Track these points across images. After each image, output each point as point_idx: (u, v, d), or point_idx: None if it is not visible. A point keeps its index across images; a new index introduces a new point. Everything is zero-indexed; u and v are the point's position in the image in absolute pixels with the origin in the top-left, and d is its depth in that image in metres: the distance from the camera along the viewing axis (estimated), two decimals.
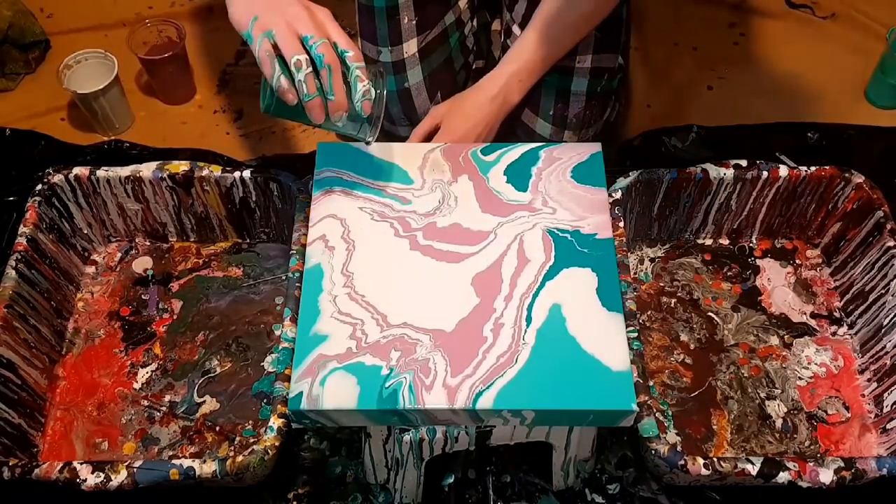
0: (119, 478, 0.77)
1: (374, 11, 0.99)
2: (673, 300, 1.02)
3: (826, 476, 0.78)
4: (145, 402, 0.94)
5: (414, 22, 0.99)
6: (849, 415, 0.93)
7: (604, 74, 1.00)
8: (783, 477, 0.78)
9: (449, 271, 0.81)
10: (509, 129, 1.11)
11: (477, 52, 1.13)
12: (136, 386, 0.96)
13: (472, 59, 1.12)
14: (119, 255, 1.06)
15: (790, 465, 0.78)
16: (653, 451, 0.79)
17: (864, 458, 0.79)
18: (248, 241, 1.07)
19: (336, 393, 0.74)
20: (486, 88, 0.96)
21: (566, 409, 0.74)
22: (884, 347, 0.92)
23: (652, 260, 1.05)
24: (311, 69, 0.71)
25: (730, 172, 0.97)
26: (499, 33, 1.11)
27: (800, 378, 0.96)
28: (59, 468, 0.78)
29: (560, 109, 1.02)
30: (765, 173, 0.97)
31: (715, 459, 0.78)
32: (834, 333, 0.99)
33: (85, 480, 0.77)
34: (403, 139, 1.08)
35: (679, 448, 0.80)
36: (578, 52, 0.97)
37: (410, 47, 1.01)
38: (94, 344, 0.99)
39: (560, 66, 0.97)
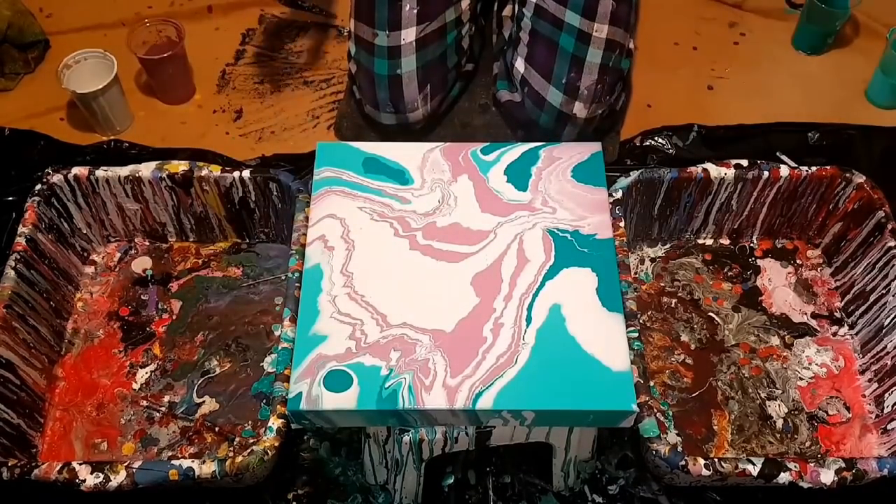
0: (118, 478, 0.77)
1: None
2: (673, 300, 1.02)
3: (827, 477, 0.78)
4: (144, 403, 0.94)
5: (415, 11, 0.99)
6: (850, 415, 0.93)
7: (616, 49, 1.01)
8: (784, 477, 0.78)
9: (449, 271, 0.81)
10: (513, 105, 1.10)
11: (469, 56, 1.13)
12: (136, 386, 0.95)
13: (465, 61, 1.13)
14: (118, 255, 1.06)
15: (791, 465, 0.78)
16: (653, 452, 0.78)
17: (864, 459, 0.79)
18: (247, 241, 1.07)
19: (335, 393, 0.73)
20: None
21: (566, 410, 0.74)
22: (885, 348, 0.92)
23: (652, 260, 1.05)
24: None
25: (730, 172, 0.97)
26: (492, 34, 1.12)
27: (800, 378, 0.96)
28: (58, 468, 0.78)
29: (573, 79, 1.02)
30: (766, 173, 0.97)
31: (716, 460, 0.78)
32: (835, 334, 0.99)
33: (84, 481, 0.77)
34: (385, 126, 1.09)
35: (680, 448, 0.80)
36: (596, 20, 0.97)
37: (409, 35, 1.01)
38: (94, 344, 0.99)
39: (578, 29, 0.98)
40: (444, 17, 1.02)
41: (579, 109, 1.03)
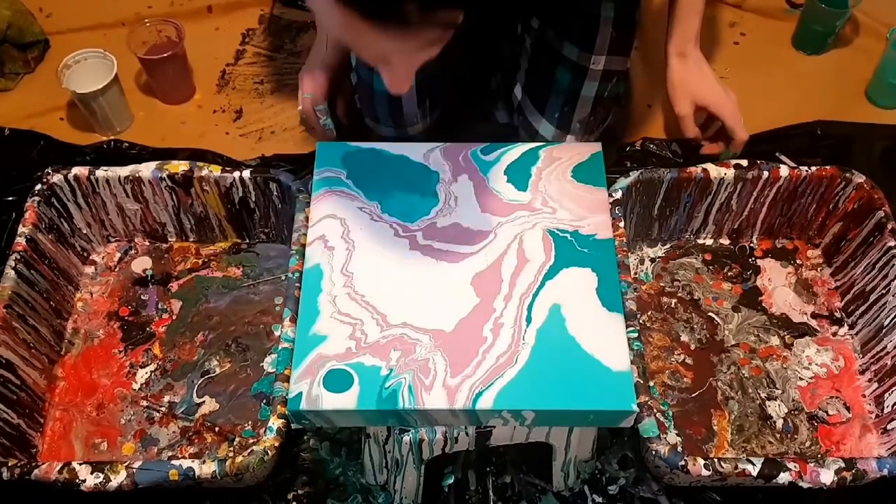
0: (118, 478, 0.77)
1: None
2: (673, 300, 1.02)
3: (827, 477, 0.78)
4: (144, 403, 0.94)
5: None
6: (849, 415, 0.93)
7: (613, 78, 1.00)
8: (784, 478, 0.78)
9: (449, 271, 0.81)
10: (511, 128, 1.11)
11: (469, 65, 1.12)
12: (136, 386, 0.95)
13: (465, 71, 1.11)
14: (118, 255, 1.06)
15: (791, 465, 0.78)
16: (653, 452, 0.78)
17: (864, 459, 0.79)
18: (247, 241, 1.07)
19: (335, 393, 0.73)
20: (686, 57, 1.02)
21: (566, 410, 0.74)
22: (884, 348, 0.92)
23: (652, 260, 1.05)
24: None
25: (730, 172, 0.97)
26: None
27: (800, 378, 0.96)
28: (58, 469, 0.78)
29: (566, 113, 1.02)
30: (765, 173, 0.97)
31: (715, 460, 0.78)
32: (835, 334, 0.99)
33: (84, 481, 0.77)
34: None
35: (679, 448, 0.80)
36: (594, 51, 0.97)
37: None
38: (94, 344, 0.99)
39: (575, 63, 0.98)
40: None
41: (571, 141, 1.04)
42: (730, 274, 1.04)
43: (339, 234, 0.83)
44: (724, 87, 1.04)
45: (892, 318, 0.91)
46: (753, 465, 0.78)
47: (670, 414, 0.93)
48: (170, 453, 0.91)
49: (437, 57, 1.01)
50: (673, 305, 1.01)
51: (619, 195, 0.93)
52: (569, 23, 0.97)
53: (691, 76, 1.03)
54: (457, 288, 0.79)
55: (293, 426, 0.77)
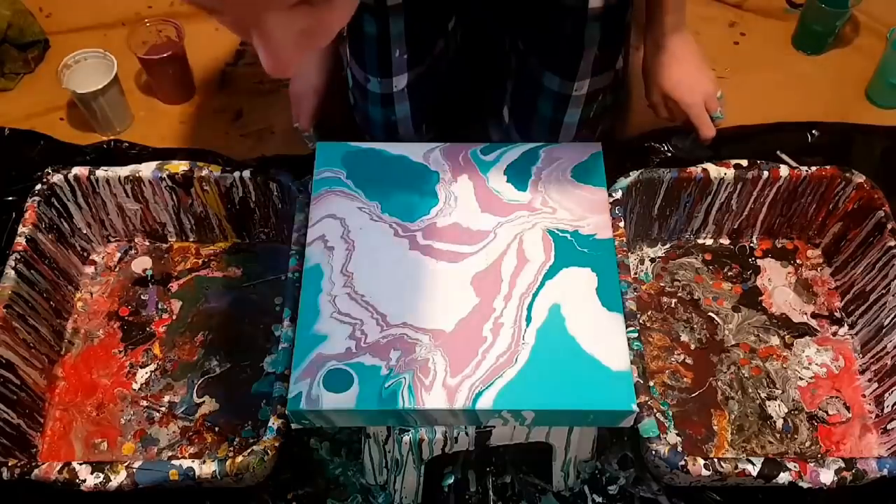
0: (118, 478, 0.77)
1: (365, 38, 0.94)
2: (673, 300, 1.02)
3: (827, 477, 0.78)
4: (144, 403, 0.94)
5: (405, 57, 0.95)
6: (849, 415, 0.93)
7: (599, 96, 0.98)
8: (784, 477, 0.78)
9: (448, 271, 0.81)
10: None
11: (464, 80, 1.10)
12: (136, 386, 0.95)
13: (459, 81, 1.10)
14: (118, 255, 1.06)
15: (791, 465, 0.78)
16: (653, 452, 0.78)
17: (864, 459, 0.79)
18: (247, 241, 1.07)
19: (335, 393, 0.73)
20: (662, 48, 0.98)
21: (566, 410, 0.74)
22: (884, 348, 0.92)
23: (652, 260, 1.05)
24: None
25: (730, 172, 0.97)
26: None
27: (800, 378, 0.96)
28: (58, 468, 0.78)
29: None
30: (765, 173, 0.97)
31: (715, 460, 0.78)
32: (835, 334, 0.99)
33: (84, 481, 0.77)
34: None
35: (679, 448, 0.80)
36: (577, 78, 0.94)
37: (400, 81, 0.97)
38: (94, 344, 0.99)
39: (556, 93, 0.96)
40: (434, 54, 0.98)
41: None
42: (730, 274, 1.04)
43: (339, 234, 0.83)
44: (698, 80, 0.99)
45: (892, 318, 0.91)
46: (753, 465, 0.78)
47: (670, 414, 0.93)
48: (170, 453, 0.91)
49: (432, 79, 1.01)
50: (673, 305, 1.01)
51: (619, 195, 0.93)
52: (551, 49, 0.94)
53: (663, 68, 0.99)
54: (457, 288, 0.79)
55: (293, 426, 0.77)
